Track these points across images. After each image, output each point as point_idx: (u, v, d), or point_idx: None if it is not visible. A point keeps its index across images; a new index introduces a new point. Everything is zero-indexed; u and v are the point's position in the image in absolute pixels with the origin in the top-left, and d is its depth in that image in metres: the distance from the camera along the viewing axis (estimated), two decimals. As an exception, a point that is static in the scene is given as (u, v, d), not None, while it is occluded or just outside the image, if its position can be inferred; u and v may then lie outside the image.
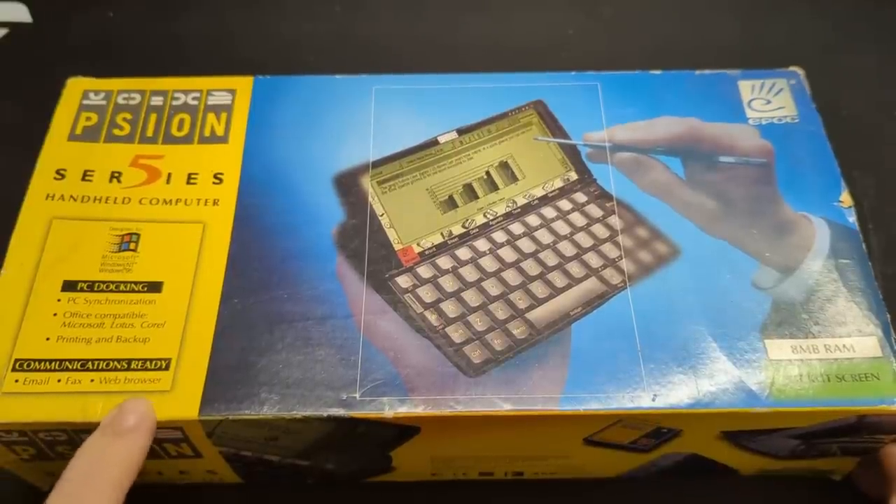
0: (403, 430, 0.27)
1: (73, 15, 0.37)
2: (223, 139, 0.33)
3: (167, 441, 0.28)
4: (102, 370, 0.27)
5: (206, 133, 0.33)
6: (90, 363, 0.27)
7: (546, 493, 0.32)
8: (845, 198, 0.31)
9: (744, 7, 0.45)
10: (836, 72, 0.42)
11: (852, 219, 0.30)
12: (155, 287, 0.29)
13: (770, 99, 0.34)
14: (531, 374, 0.27)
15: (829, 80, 0.40)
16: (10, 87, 0.40)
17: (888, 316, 0.28)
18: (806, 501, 0.32)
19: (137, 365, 0.27)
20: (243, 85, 0.35)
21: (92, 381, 0.27)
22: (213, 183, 0.32)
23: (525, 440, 0.28)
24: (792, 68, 0.35)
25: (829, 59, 0.42)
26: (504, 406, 0.26)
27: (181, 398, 0.27)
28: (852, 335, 0.28)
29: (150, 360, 0.27)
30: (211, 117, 0.34)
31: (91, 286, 0.29)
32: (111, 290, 0.29)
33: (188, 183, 0.32)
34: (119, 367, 0.27)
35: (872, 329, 0.28)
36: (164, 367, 0.27)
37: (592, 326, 0.28)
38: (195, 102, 0.34)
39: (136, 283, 0.29)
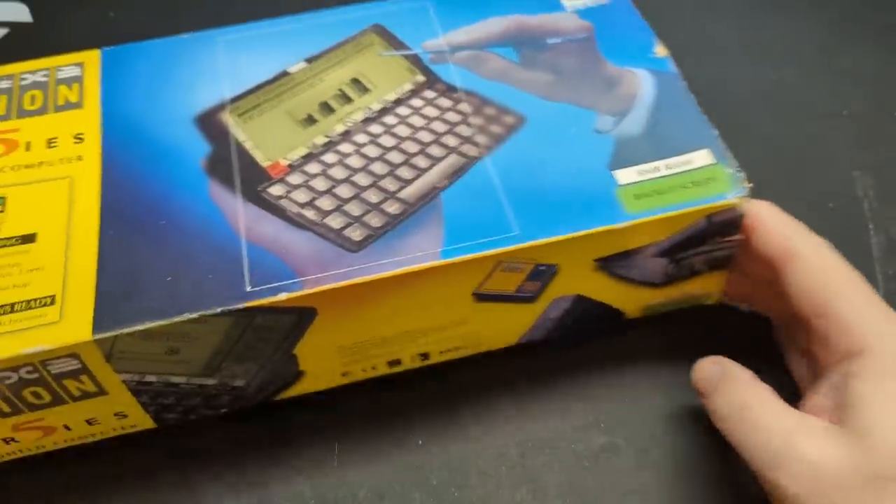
0: (301, 316, 0.28)
1: (73, 15, 0.36)
2: (78, 105, 0.34)
3: (66, 376, 0.27)
4: (-14, 318, 0.27)
5: (60, 102, 0.34)
6: (-28, 316, 0.27)
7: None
8: (659, 49, 0.34)
9: (744, 6, 0.46)
10: (835, 72, 0.43)
11: (670, 65, 0.34)
12: (28, 238, 0.29)
13: (583, -10, 0.37)
14: (410, 240, 0.29)
15: (829, 80, 0.43)
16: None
17: (714, 131, 0.31)
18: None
19: (21, 307, 0.27)
20: (91, 58, 0.36)
21: (-24, 329, 0.27)
22: (75, 142, 0.32)
23: (418, 302, 0.29)
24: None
25: (829, 59, 0.44)
26: (389, 269, 0.28)
27: (72, 325, 0.27)
28: (688, 151, 0.31)
29: (34, 300, 0.27)
30: (63, 88, 0.34)
31: (-40, 249, 0.29)
32: (-18, 250, 0.29)
33: (49, 147, 0.32)
34: (2, 311, 0.27)
35: (704, 143, 0.31)
36: (49, 302, 0.27)
37: (460, 192, 0.30)
38: (45, 79, 0.35)
39: (6, 238, 0.29)
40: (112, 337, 0.27)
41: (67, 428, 0.30)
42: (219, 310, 0.27)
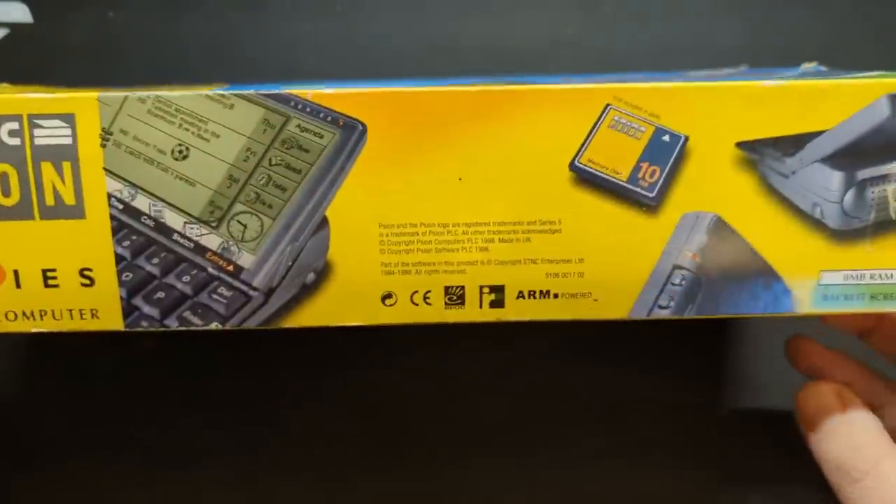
0: (345, 134, 0.22)
1: (73, 15, 0.38)
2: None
3: (49, 155, 0.22)
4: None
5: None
6: None
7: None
8: None
9: (744, 6, 0.44)
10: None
11: None
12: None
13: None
14: (498, 97, 0.24)
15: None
16: (11, 87, 0.39)
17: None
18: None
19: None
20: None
21: None
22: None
23: (496, 154, 0.22)
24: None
25: (829, 59, 0.42)
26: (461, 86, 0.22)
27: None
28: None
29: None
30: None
31: None
32: None
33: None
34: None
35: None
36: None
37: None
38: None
39: None
40: (122, 97, 0.22)
41: (17, 283, 0.23)
42: (252, 90, 0.22)
